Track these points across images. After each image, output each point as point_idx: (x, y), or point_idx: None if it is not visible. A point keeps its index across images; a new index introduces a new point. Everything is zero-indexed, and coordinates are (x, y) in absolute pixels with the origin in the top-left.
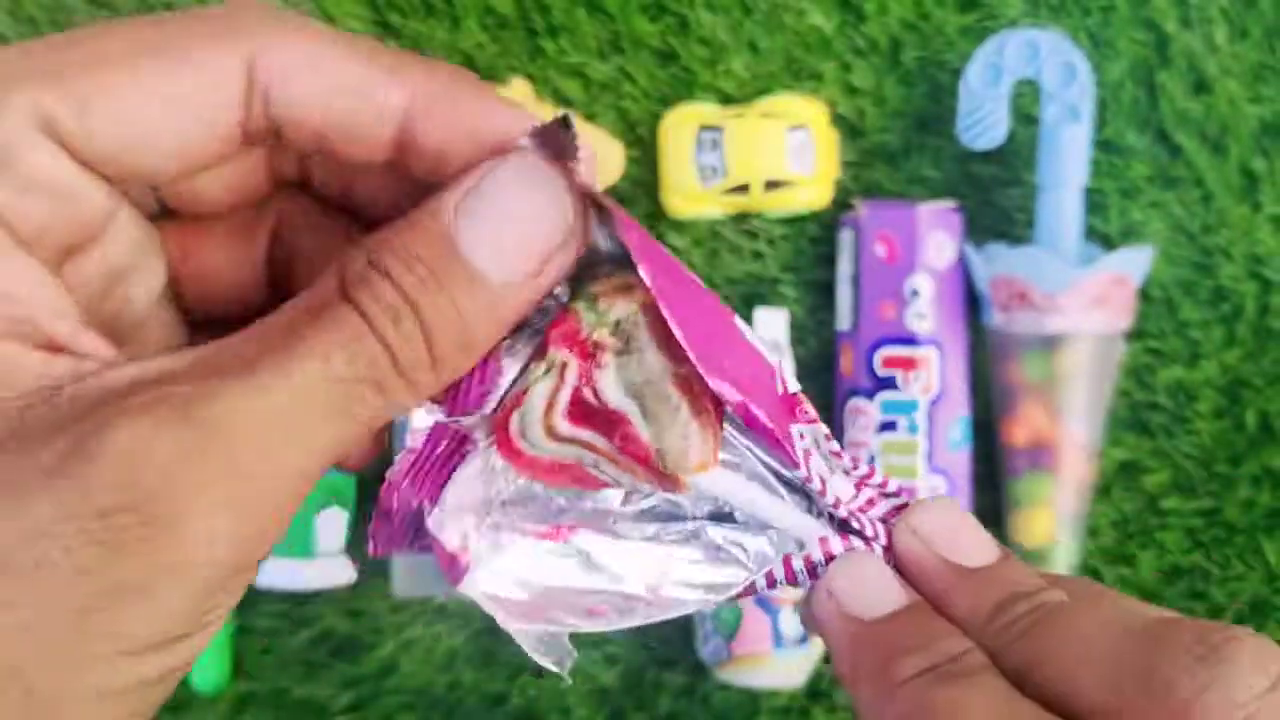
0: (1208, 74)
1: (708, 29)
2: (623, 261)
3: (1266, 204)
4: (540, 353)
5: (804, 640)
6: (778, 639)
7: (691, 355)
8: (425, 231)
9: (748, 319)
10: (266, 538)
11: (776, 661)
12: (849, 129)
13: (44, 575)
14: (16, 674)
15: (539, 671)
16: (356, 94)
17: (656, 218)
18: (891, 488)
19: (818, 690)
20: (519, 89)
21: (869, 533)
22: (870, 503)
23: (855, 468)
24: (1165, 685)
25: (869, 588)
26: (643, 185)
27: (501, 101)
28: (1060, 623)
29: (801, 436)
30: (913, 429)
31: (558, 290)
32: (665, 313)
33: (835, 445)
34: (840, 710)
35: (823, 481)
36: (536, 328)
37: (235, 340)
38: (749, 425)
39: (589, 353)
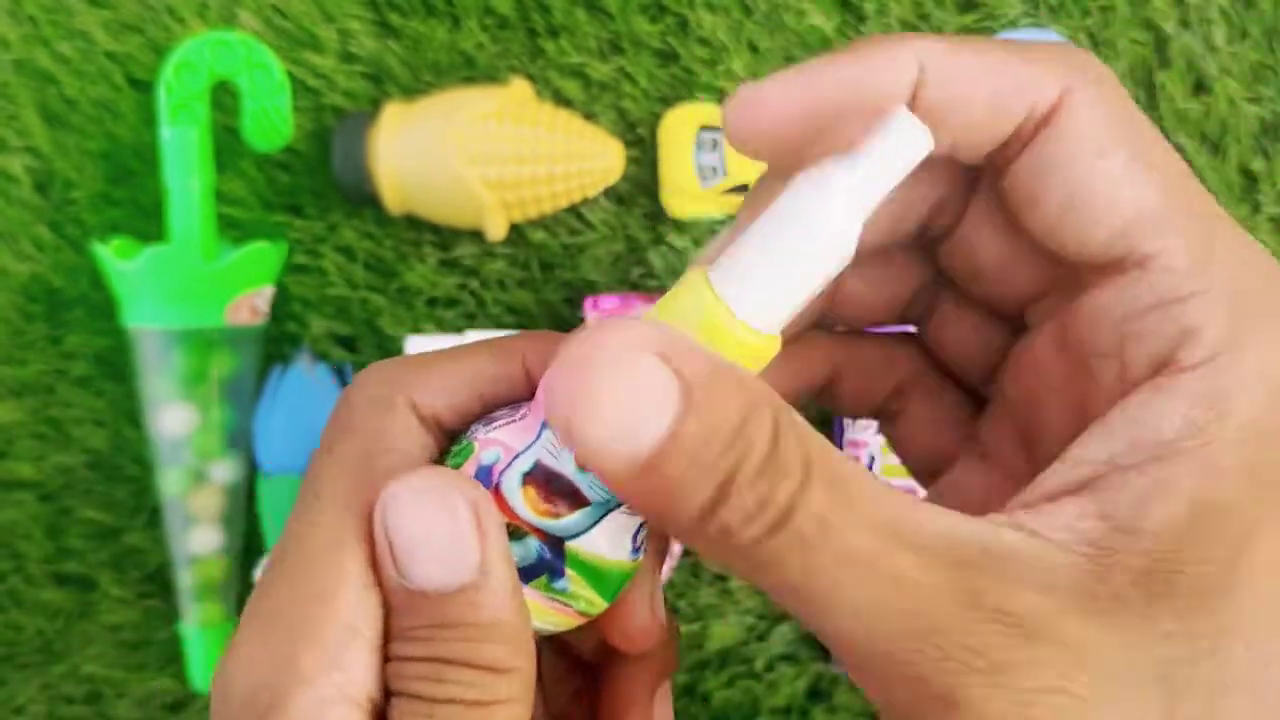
0: (1207, 74)
1: (708, 29)
2: None
3: (1266, 204)
4: None
5: None
6: None
7: None
8: None
9: None
10: None
11: None
12: None
13: None
14: None
15: None
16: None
17: (656, 218)
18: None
19: (818, 690)
20: (519, 89)
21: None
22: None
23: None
24: None
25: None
26: (642, 185)
27: None
28: None
29: None
30: None
31: None
32: None
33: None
34: (840, 711)
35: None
36: None
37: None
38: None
39: None
